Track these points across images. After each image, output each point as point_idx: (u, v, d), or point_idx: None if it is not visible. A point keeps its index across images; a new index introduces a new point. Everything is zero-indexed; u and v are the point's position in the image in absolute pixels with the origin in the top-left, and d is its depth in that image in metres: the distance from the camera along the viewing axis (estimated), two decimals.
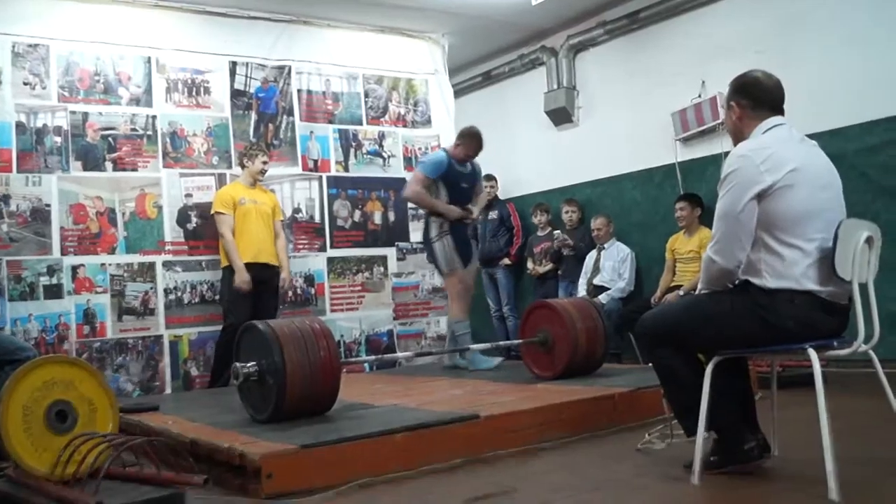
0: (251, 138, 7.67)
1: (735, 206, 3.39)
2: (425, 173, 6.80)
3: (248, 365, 4.70)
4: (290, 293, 7.68)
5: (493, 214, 9.25)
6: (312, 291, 7.91)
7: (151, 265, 7.16)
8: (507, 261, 9.19)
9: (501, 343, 7.30)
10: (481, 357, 6.86)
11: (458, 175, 6.85)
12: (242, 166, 7.24)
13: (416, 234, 8.29)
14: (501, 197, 9.59)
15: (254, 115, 7.80)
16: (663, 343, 3.66)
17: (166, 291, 7.26)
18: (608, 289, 8.12)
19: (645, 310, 4.50)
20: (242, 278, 6.86)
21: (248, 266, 6.93)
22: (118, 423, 3.87)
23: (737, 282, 3.53)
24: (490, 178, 8.87)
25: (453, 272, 6.81)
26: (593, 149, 9.08)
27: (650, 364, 3.79)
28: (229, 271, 7.00)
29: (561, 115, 9.34)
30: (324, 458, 3.88)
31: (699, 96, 7.83)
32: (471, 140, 6.82)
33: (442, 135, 8.72)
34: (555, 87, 9.32)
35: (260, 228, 7.07)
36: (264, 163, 7.19)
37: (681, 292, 7.23)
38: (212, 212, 7.15)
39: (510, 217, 9.33)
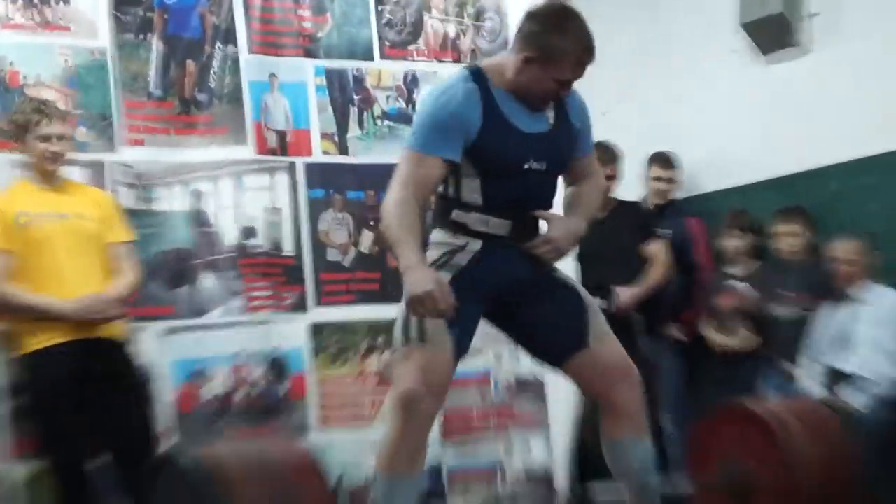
0: (148, 89, 5.67)
1: None
2: (413, 146, 3.52)
3: None
4: (239, 393, 5.72)
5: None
6: (282, 390, 5.84)
7: None
8: (675, 331, 6.55)
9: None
10: None
11: (515, 138, 3.46)
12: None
13: None
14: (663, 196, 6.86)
15: (157, 45, 5.79)
16: None
17: None
18: (867, 380, 6.08)
19: None
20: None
21: (62, 348, 4.55)
22: None
23: None
24: (663, 160, 6.61)
25: (412, 351, 3.45)
26: (841, 100, 6.64)
27: None
28: (28, 362, 4.58)
29: (774, 34, 6.88)
30: None
31: None
32: (561, 37, 3.33)
33: None
34: None
35: (77, 266, 4.70)
36: (59, 138, 4.77)
37: None
38: None
39: (688, 242, 6.62)
